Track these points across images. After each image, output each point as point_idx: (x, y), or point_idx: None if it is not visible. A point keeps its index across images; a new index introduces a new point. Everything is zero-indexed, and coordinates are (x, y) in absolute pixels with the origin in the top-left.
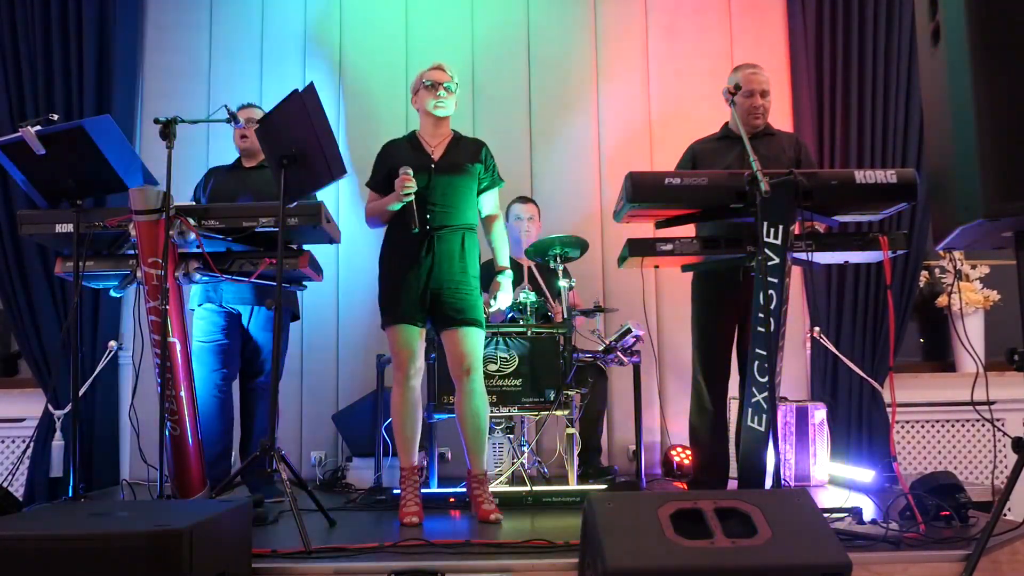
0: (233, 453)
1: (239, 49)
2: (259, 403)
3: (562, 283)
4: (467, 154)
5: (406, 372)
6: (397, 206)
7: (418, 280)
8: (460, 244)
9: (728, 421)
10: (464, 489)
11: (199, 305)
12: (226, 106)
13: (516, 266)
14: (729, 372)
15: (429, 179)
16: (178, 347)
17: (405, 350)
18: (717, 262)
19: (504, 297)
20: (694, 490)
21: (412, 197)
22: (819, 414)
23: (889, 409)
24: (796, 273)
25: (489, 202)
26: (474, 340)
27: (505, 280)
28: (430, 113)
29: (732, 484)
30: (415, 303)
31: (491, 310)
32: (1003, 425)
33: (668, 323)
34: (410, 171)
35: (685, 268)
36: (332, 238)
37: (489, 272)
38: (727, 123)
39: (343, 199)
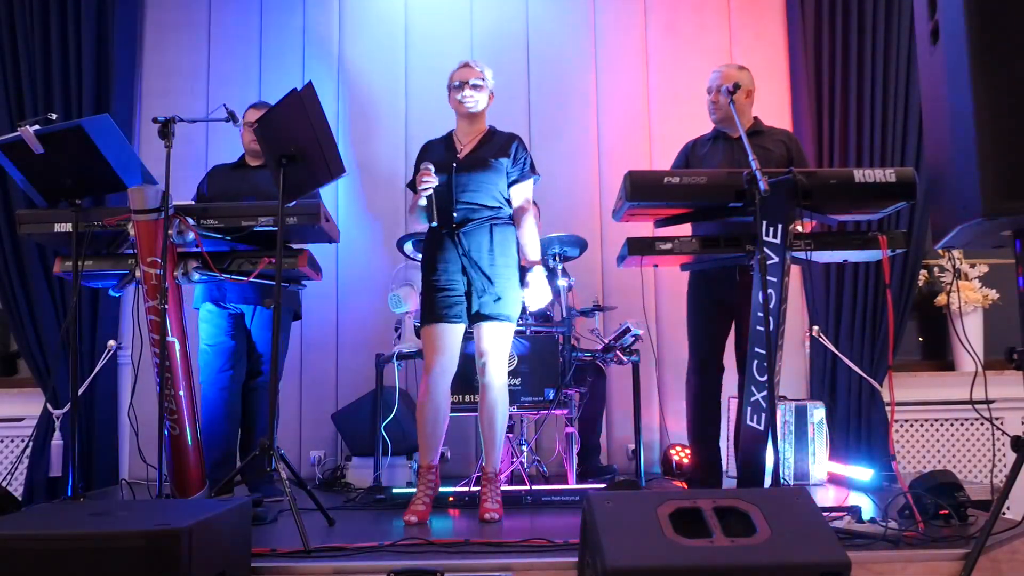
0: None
1: (238, 48)
2: (260, 403)
3: (561, 282)
4: (495, 149)
5: (432, 371)
6: (422, 202)
7: (454, 277)
8: (488, 236)
9: (727, 420)
10: (464, 488)
11: (203, 304)
12: (225, 105)
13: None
14: (723, 371)
15: (450, 177)
16: (177, 346)
17: (432, 348)
18: (712, 262)
19: (535, 294)
20: (693, 489)
21: (430, 191)
22: (818, 413)
23: (888, 408)
24: (795, 272)
25: (518, 195)
26: (495, 335)
27: (535, 275)
28: (460, 112)
29: (730, 483)
30: (452, 300)
31: (530, 308)
32: (1002, 424)
33: (667, 322)
34: (431, 167)
35: (684, 267)
36: (331, 237)
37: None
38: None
39: (342, 199)
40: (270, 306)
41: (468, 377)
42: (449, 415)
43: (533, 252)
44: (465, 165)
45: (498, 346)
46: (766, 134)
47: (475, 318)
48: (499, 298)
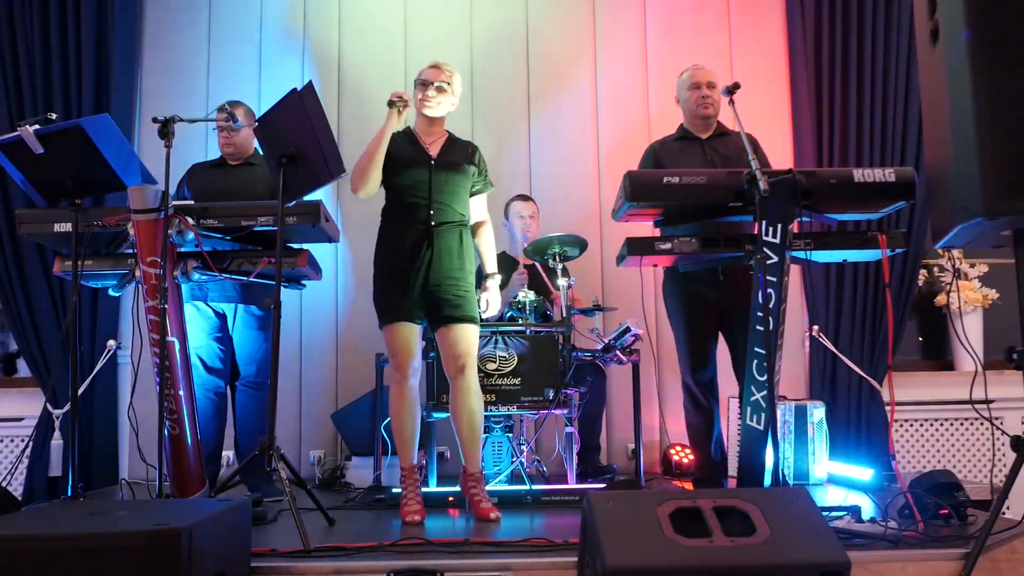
0: (230, 455)
1: (237, 48)
2: (241, 403)
3: (561, 282)
4: (463, 155)
5: (404, 372)
6: (389, 108)
7: (417, 277)
8: (459, 240)
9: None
10: (460, 489)
11: (186, 304)
12: (224, 105)
13: (516, 265)
14: (716, 370)
15: (429, 175)
16: (176, 346)
17: (404, 349)
18: (697, 262)
19: (493, 302)
20: (696, 489)
21: (404, 112)
22: (818, 413)
23: (888, 407)
24: (795, 272)
25: (479, 206)
26: (470, 337)
27: (493, 284)
28: (419, 110)
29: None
30: (415, 300)
31: (484, 315)
32: (1001, 423)
33: (666, 322)
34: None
35: (683, 267)
36: (331, 237)
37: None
38: (682, 124)
39: (342, 198)
40: (269, 306)
41: None
42: (434, 415)
43: (493, 263)
44: (442, 166)
45: (473, 348)
46: (733, 135)
47: (444, 319)
48: (467, 303)
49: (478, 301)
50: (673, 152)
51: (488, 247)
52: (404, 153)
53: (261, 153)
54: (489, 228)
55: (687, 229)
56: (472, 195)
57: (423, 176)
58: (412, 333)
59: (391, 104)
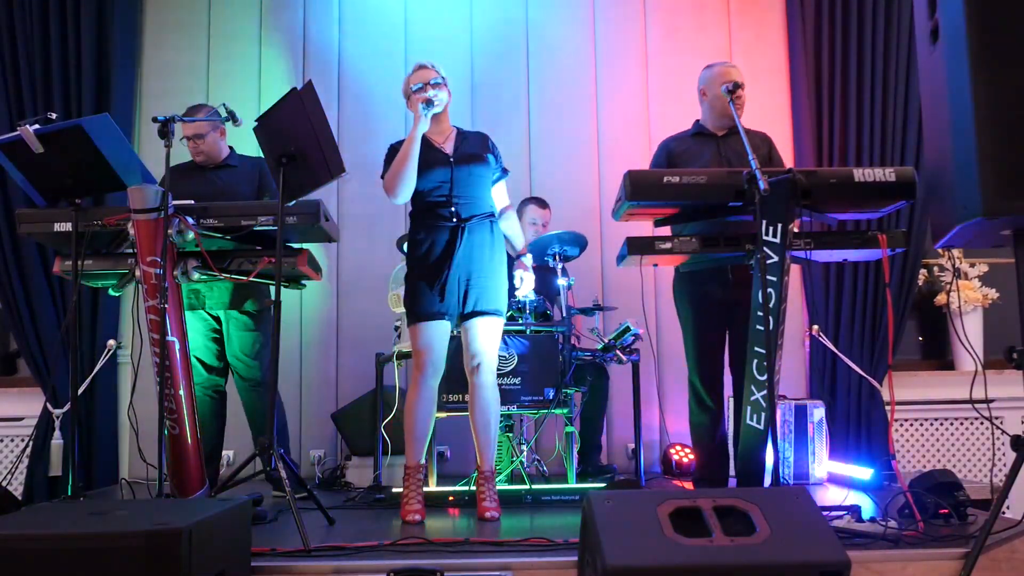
0: (229, 454)
1: (237, 48)
2: (246, 402)
3: (561, 281)
4: (478, 146)
5: (425, 371)
6: (424, 126)
7: (448, 274)
8: (489, 232)
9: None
10: (463, 488)
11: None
12: (224, 105)
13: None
14: (723, 369)
15: (451, 174)
16: (176, 346)
17: (428, 349)
18: (706, 261)
19: (527, 278)
20: (693, 489)
21: (439, 107)
22: (818, 412)
23: (888, 407)
24: (795, 271)
25: (500, 193)
26: (492, 332)
27: (527, 261)
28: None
29: (733, 482)
30: (444, 297)
31: (518, 293)
32: (1001, 423)
33: (667, 321)
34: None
35: (684, 267)
36: (331, 237)
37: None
38: (698, 120)
39: (342, 198)
40: (270, 306)
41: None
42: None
43: (521, 241)
44: (461, 160)
45: (495, 343)
46: (747, 133)
47: (471, 314)
48: (494, 294)
49: (512, 279)
50: (688, 149)
51: (515, 229)
52: (422, 158)
53: (239, 154)
54: (513, 212)
55: (688, 228)
56: (495, 182)
57: (444, 176)
58: (438, 332)
59: (429, 103)
